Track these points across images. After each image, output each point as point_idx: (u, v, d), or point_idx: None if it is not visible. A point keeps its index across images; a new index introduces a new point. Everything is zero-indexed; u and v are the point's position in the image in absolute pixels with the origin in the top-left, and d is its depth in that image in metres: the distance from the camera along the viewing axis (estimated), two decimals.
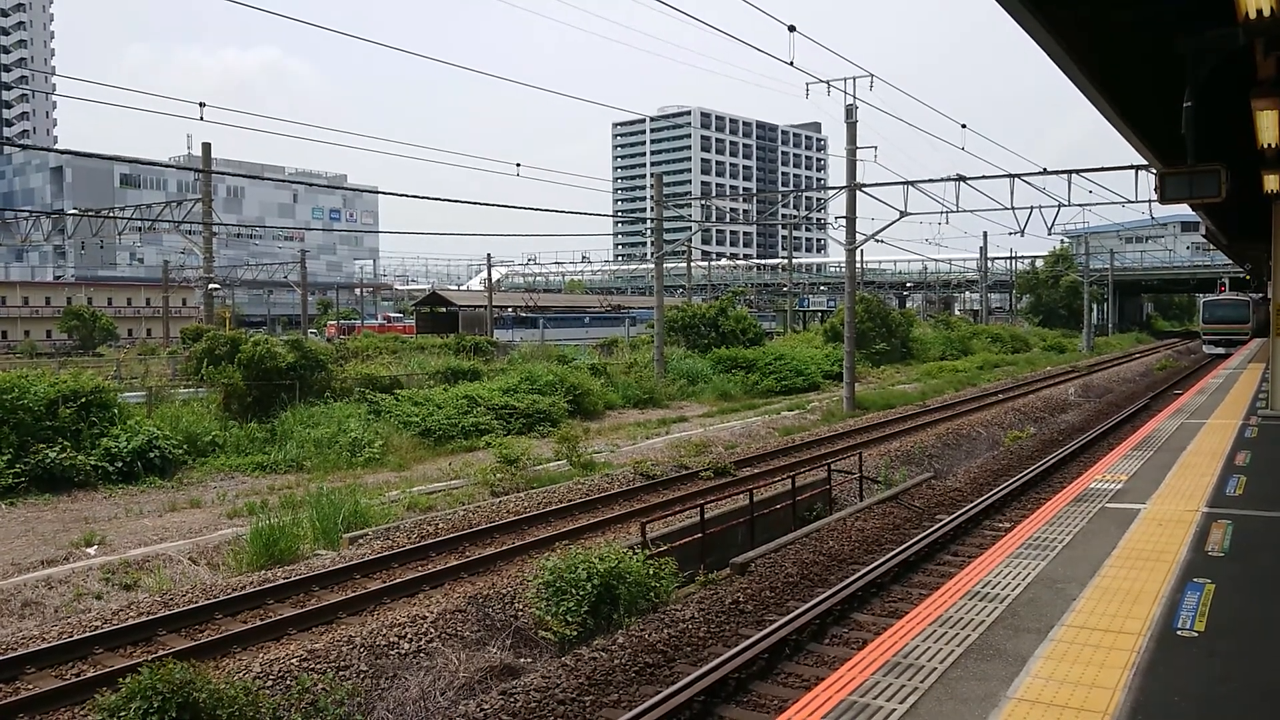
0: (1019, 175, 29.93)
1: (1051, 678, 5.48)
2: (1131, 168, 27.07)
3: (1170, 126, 9.48)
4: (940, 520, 15.20)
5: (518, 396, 26.75)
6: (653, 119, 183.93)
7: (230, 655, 9.95)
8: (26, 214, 51.37)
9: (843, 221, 32.29)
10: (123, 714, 7.74)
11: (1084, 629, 6.27)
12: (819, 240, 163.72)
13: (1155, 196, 10.88)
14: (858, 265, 44.08)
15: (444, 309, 72.49)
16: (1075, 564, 7.85)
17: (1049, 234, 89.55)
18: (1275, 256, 18.13)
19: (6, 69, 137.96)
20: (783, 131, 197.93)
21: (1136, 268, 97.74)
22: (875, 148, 31.52)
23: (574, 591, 10.65)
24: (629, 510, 16.11)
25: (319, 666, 9.62)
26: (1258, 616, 6.53)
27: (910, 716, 5.04)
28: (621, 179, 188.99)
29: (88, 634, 10.27)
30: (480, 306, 69.21)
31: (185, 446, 20.16)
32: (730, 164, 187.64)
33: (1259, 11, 6.75)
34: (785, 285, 78.69)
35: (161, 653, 9.47)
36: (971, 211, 37.07)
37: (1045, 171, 29.87)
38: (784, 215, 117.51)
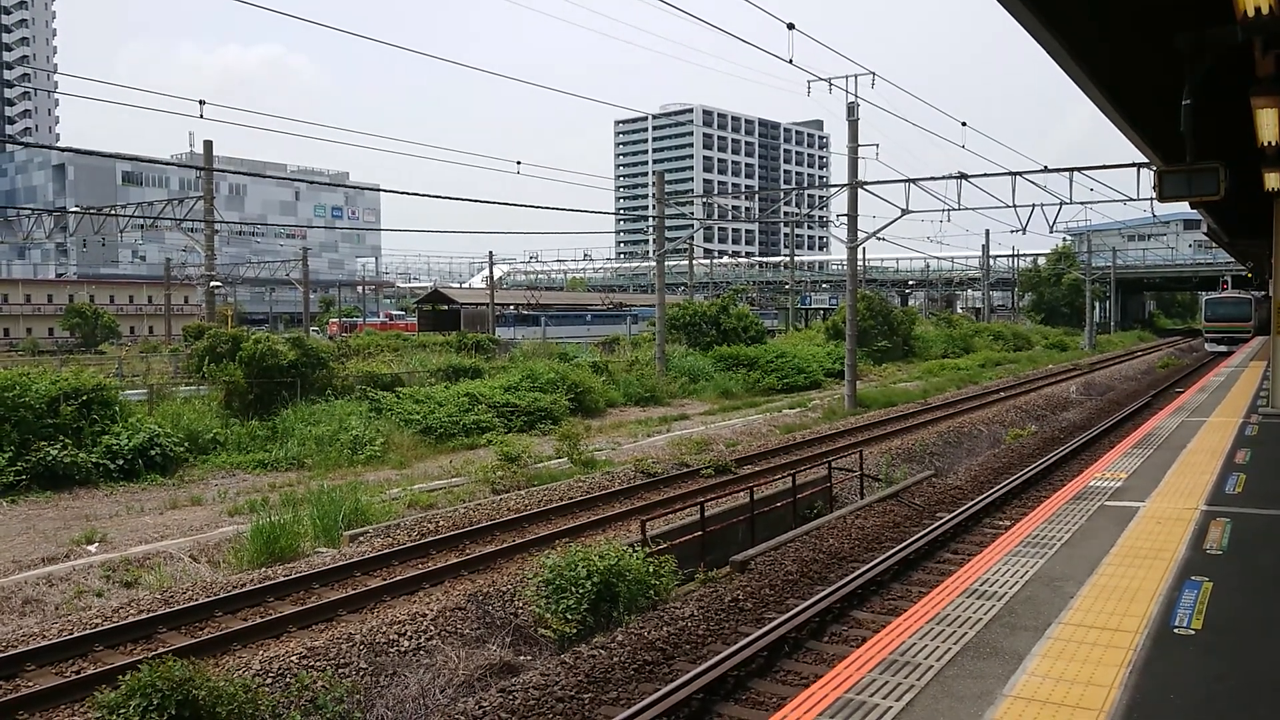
0: (1020, 173, 29.89)
1: (1048, 675, 5.48)
2: (1133, 166, 27.02)
3: (1171, 124, 9.47)
4: (941, 518, 15.21)
5: (519, 394, 26.77)
6: (655, 117, 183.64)
7: (230, 652, 9.97)
8: (29, 211, 51.41)
9: (844, 219, 32.29)
10: (122, 711, 7.76)
11: (1081, 627, 6.28)
12: (821, 238, 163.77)
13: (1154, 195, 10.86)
14: (860, 263, 44.12)
15: (446, 307, 72.50)
16: (1073, 562, 7.85)
17: (1051, 232, 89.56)
18: (1276, 254, 18.10)
19: (9, 66, 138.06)
20: (785, 129, 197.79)
21: (1139, 265, 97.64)
22: (877, 145, 31.57)
23: (574, 589, 10.66)
24: (629, 508, 16.12)
25: (319, 664, 9.64)
26: (1255, 615, 6.53)
27: (906, 714, 5.04)
28: (624, 177, 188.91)
29: (88, 631, 10.29)
30: (482, 304, 69.21)
31: (186, 444, 20.19)
32: (732, 162, 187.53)
33: (1257, 10, 6.74)
34: (787, 283, 78.68)
35: (161, 650, 9.49)
36: (973, 209, 36.93)
37: (1047, 169, 29.83)
38: (786, 213, 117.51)
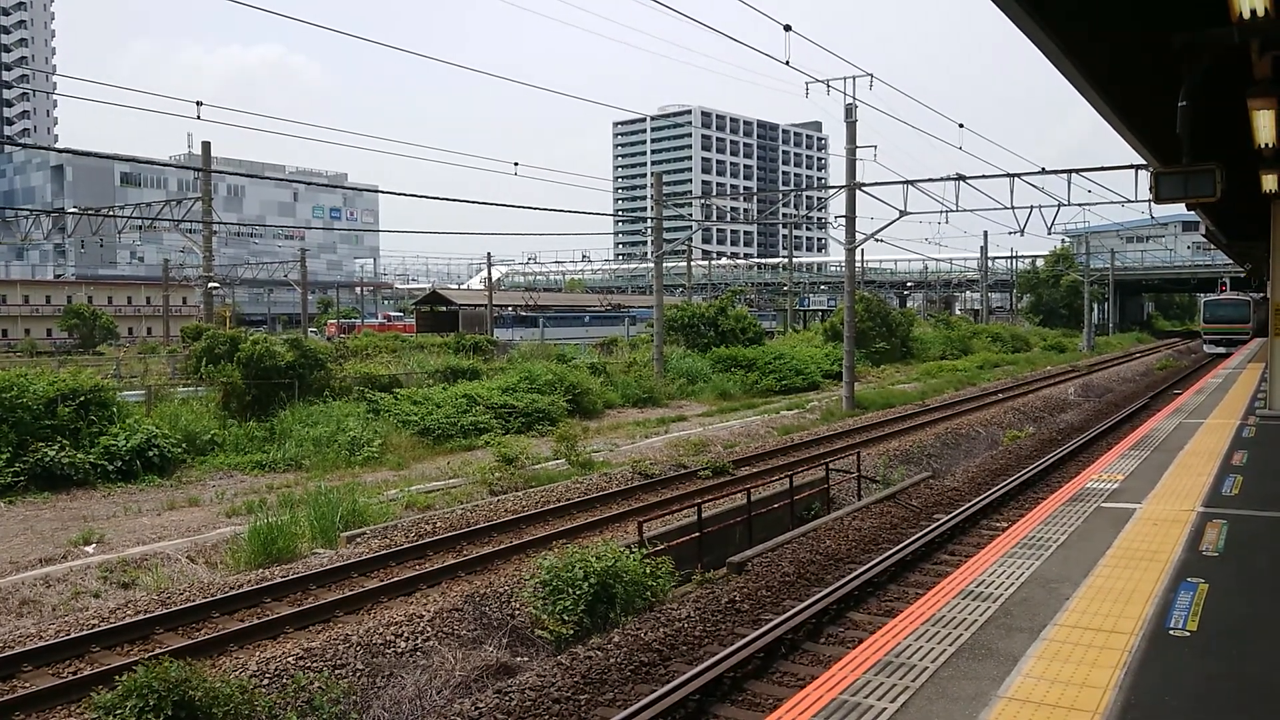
0: (1018, 175, 29.94)
1: (1043, 677, 5.49)
2: (1131, 167, 27.08)
3: (1168, 126, 9.47)
4: (938, 520, 15.21)
5: (517, 395, 26.77)
6: (653, 118, 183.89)
7: (227, 654, 9.97)
8: (27, 212, 51.38)
9: (843, 221, 32.30)
10: (119, 712, 7.76)
11: (1076, 628, 6.28)
12: (819, 239, 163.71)
13: (1151, 196, 10.88)
14: (858, 264, 44.12)
15: (444, 308, 72.54)
16: (1069, 563, 7.86)
17: (1049, 233, 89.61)
18: (1274, 256, 18.12)
19: (7, 68, 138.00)
20: (783, 131, 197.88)
21: (1137, 267, 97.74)
22: (875, 147, 31.59)
23: (571, 590, 10.66)
24: (627, 509, 16.12)
25: (315, 665, 9.64)
26: (1250, 616, 6.54)
27: (901, 715, 5.05)
28: (622, 178, 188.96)
29: (85, 632, 10.29)
30: (480, 305, 69.24)
31: (184, 445, 20.18)
32: (731, 163, 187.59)
33: (1253, 12, 6.76)
34: (785, 284, 78.69)
35: (158, 651, 9.48)
36: (971, 211, 37.10)
37: (1044, 171, 29.89)
38: (784, 214, 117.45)
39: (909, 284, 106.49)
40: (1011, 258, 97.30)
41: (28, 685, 9.21)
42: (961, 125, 31.18)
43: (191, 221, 36.39)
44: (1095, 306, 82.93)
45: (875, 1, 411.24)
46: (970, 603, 6.89)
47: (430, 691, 9.35)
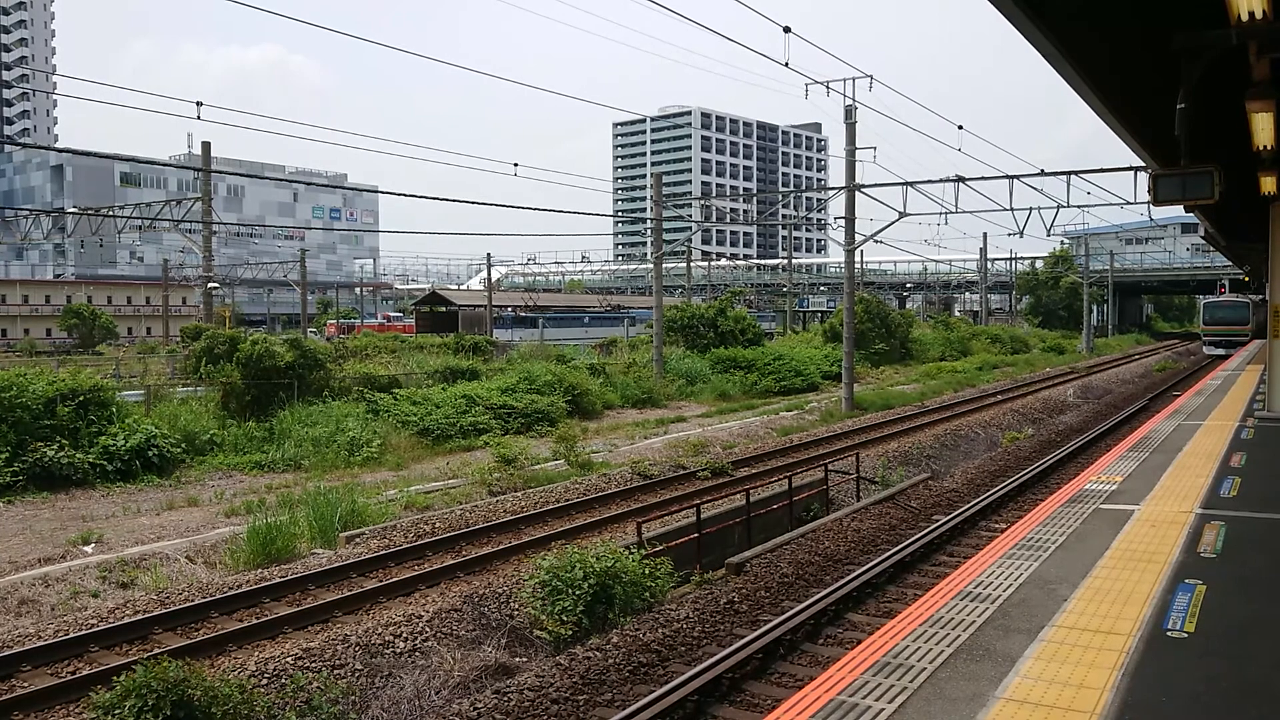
0: (1018, 176, 29.96)
1: (1040, 678, 5.50)
2: (1130, 169, 27.10)
3: (1166, 127, 9.49)
4: (937, 521, 15.22)
5: (516, 396, 26.78)
6: (653, 119, 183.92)
7: (226, 654, 9.97)
8: (27, 212, 51.37)
9: (842, 222, 32.32)
10: (117, 712, 7.76)
11: (1074, 629, 6.29)
12: (819, 240, 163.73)
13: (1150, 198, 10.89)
14: (857, 266, 44.14)
15: (443, 308, 72.55)
16: (1068, 565, 7.86)
17: (1048, 235, 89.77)
18: (1273, 258, 18.12)
19: (7, 67, 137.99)
20: (783, 132, 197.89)
21: (1136, 269, 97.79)
22: (874, 148, 31.58)
23: (570, 591, 10.67)
24: (626, 510, 16.13)
25: (314, 665, 9.65)
26: (1248, 618, 6.55)
27: (898, 716, 5.05)
28: (622, 179, 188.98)
29: (84, 632, 10.29)
30: (480, 306, 69.25)
31: (183, 445, 20.19)
32: (730, 164, 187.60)
33: (1250, 14, 6.77)
34: (785, 285, 78.71)
35: (157, 651, 9.48)
36: (970, 212, 37.17)
37: (1043, 173, 29.91)
38: (784, 215, 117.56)
39: (908, 285, 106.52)
40: (1011, 259, 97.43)
41: (26, 685, 9.21)
42: (961, 127, 31.22)
43: (191, 221, 36.40)
44: (1094, 308, 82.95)
45: (875, 3, 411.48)
46: (968, 604, 6.90)
47: (429, 692, 9.35)
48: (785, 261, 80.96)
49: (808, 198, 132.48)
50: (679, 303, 51.22)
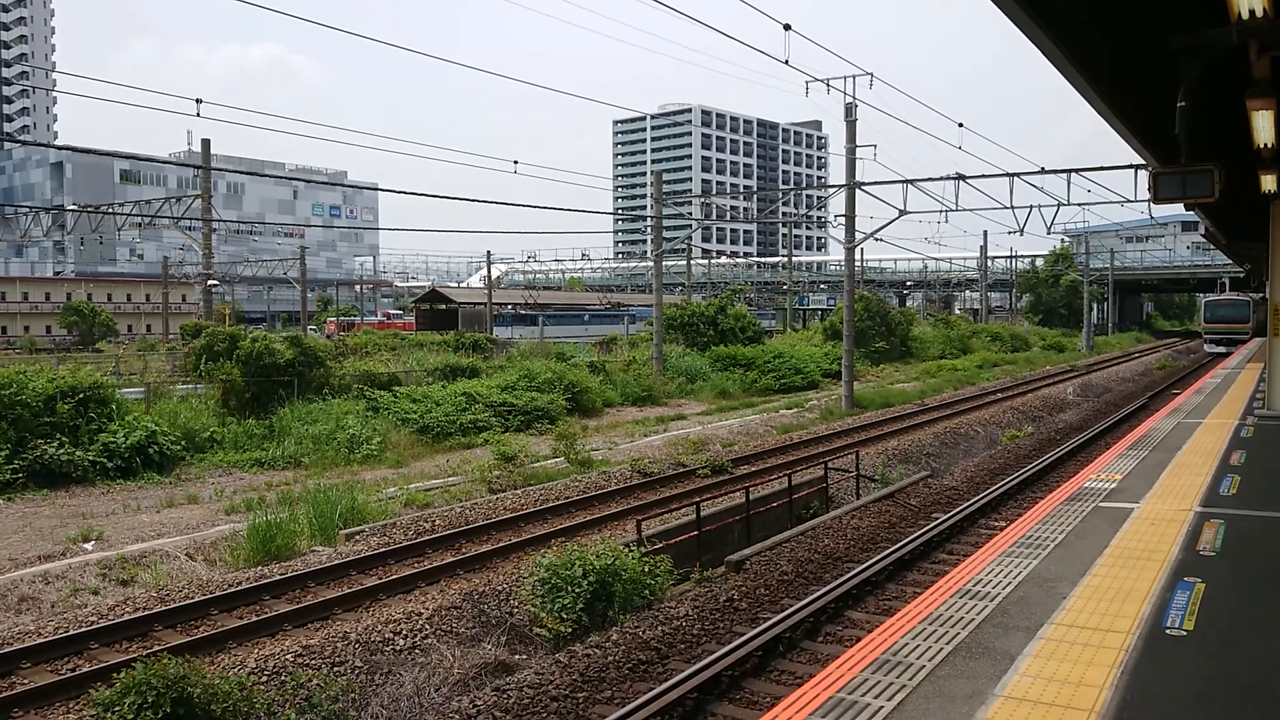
0: (1018, 174, 29.95)
1: (1039, 676, 5.50)
2: (1130, 167, 27.10)
3: (1167, 125, 9.49)
4: (936, 519, 15.22)
5: (516, 394, 26.78)
6: (653, 117, 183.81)
7: (226, 651, 9.98)
8: (26, 209, 51.37)
9: (842, 220, 32.31)
10: (118, 709, 7.77)
11: (1073, 627, 6.29)
12: (819, 238, 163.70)
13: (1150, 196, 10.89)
14: (857, 264, 44.14)
15: (443, 306, 72.51)
16: (1067, 562, 7.87)
17: (1048, 233, 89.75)
18: (1273, 256, 18.13)
19: (7, 64, 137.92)
20: (783, 130, 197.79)
21: (1136, 267, 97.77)
22: (875, 146, 31.63)
23: (569, 588, 10.68)
24: (625, 507, 16.14)
25: (314, 662, 9.65)
26: (1247, 616, 6.55)
27: (897, 713, 5.06)
28: (622, 177, 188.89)
29: (84, 629, 10.30)
30: (480, 304, 69.22)
31: (183, 442, 20.19)
32: (731, 162, 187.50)
33: (1251, 12, 6.77)
34: (785, 283, 78.71)
35: (157, 648, 9.49)
36: (971, 210, 37.16)
37: (1044, 171, 29.90)
38: (784, 213, 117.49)
39: (908, 283, 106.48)
40: (1011, 257, 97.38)
41: (27, 682, 9.22)
42: (961, 125, 31.22)
43: (191, 219, 36.41)
44: (1094, 306, 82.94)
45: (877, 2, 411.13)
46: (968, 601, 6.90)
47: (429, 689, 9.36)
48: (785, 259, 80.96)
49: (808, 195, 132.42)
50: (679, 301, 51.24)
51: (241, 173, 67.07)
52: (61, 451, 17.94)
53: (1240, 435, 15.34)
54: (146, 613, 10.81)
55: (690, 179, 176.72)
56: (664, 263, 38.58)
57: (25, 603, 11.55)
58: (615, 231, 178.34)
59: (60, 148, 61.80)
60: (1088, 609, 6.66)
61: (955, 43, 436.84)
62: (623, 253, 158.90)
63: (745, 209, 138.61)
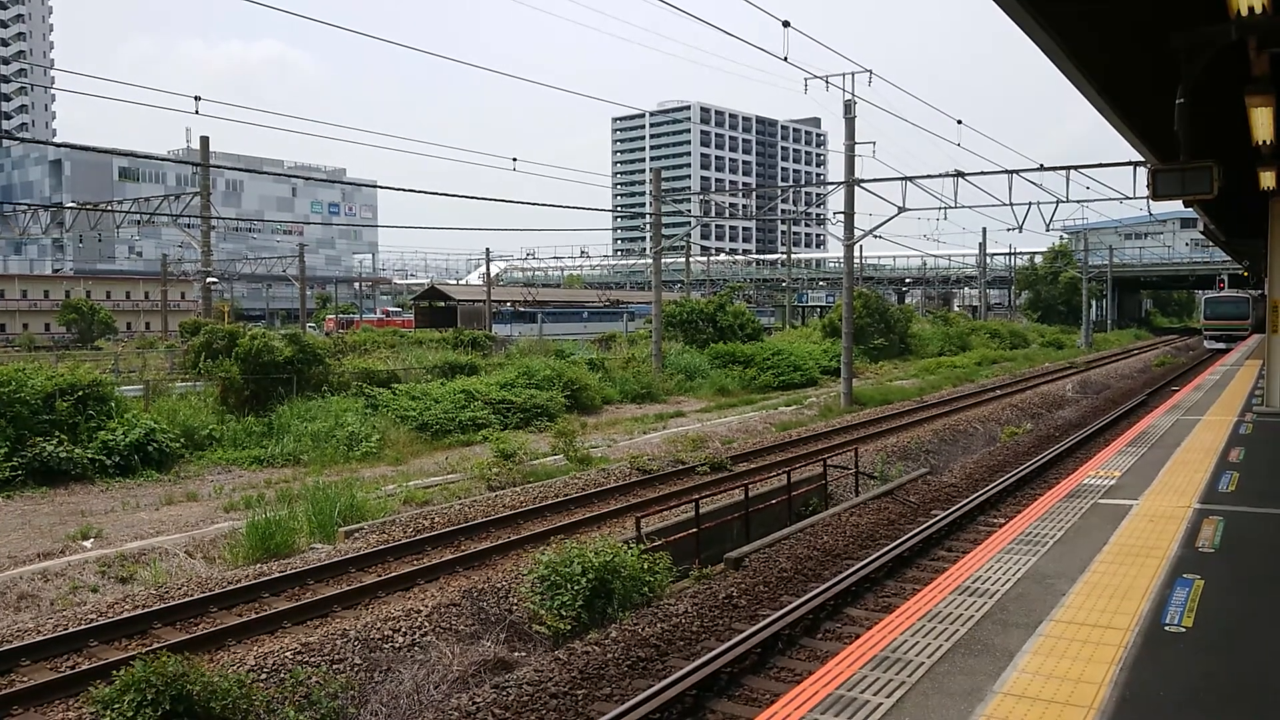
0: (1017, 171, 29.94)
1: (1038, 672, 5.51)
2: (1129, 164, 27.07)
3: (1166, 122, 9.48)
4: (935, 516, 15.23)
5: (515, 391, 26.77)
6: (652, 114, 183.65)
7: (225, 648, 9.98)
8: (25, 207, 51.32)
9: (842, 217, 32.30)
10: (117, 706, 7.77)
11: (1072, 624, 6.30)
12: (818, 235, 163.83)
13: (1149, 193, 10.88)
14: (856, 261, 44.12)
15: (442, 303, 72.53)
16: (1066, 559, 7.88)
17: (1047, 230, 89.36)
18: (1272, 253, 18.13)
19: (5, 62, 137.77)
20: (782, 127, 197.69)
21: (1135, 264, 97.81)
22: (874, 143, 31.70)
23: (568, 586, 10.68)
24: (625, 505, 16.14)
25: (313, 659, 9.65)
26: (1246, 612, 6.56)
27: (896, 710, 5.06)
28: (621, 174, 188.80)
29: (83, 627, 10.30)
30: (479, 301, 69.21)
31: (182, 440, 20.17)
32: (730, 159, 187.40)
33: (1250, 9, 6.76)
34: (784, 280, 78.70)
35: (156, 646, 9.49)
36: (970, 207, 37.16)
37: (1043, 168, 29.86)
38: (783, 210, 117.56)
39: (907, 280, 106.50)
40: (1010, 254, 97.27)
41: (26, 680, 9.22)
42: (960, 122, 31.19)
43: (190, 216, 36.38)
44: (1093, 303, 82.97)
45: (878, 1, 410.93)
46: (967, 598, 6.91)
47: (428, 686, 9.36)
48: (784, 256, 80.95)
49: (807, 193, 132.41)
50: (678, 298, 51.24)
51: (241, 170, 66.97)
52: (60, 449, 17.93)
53: (1239, 432, 15.35)
54: (145, 610, 10.80)
55: (689, 176, 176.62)
56: (663, 260, 38.57)
57: (24, 600, 11.54)
58: (614, 229, 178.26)
59: (59, 145, 61.78)
60: (1087, 606, 6.67)
61: (954, 37, 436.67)
62: (622, 250, 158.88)
63: (744, 206, 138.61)
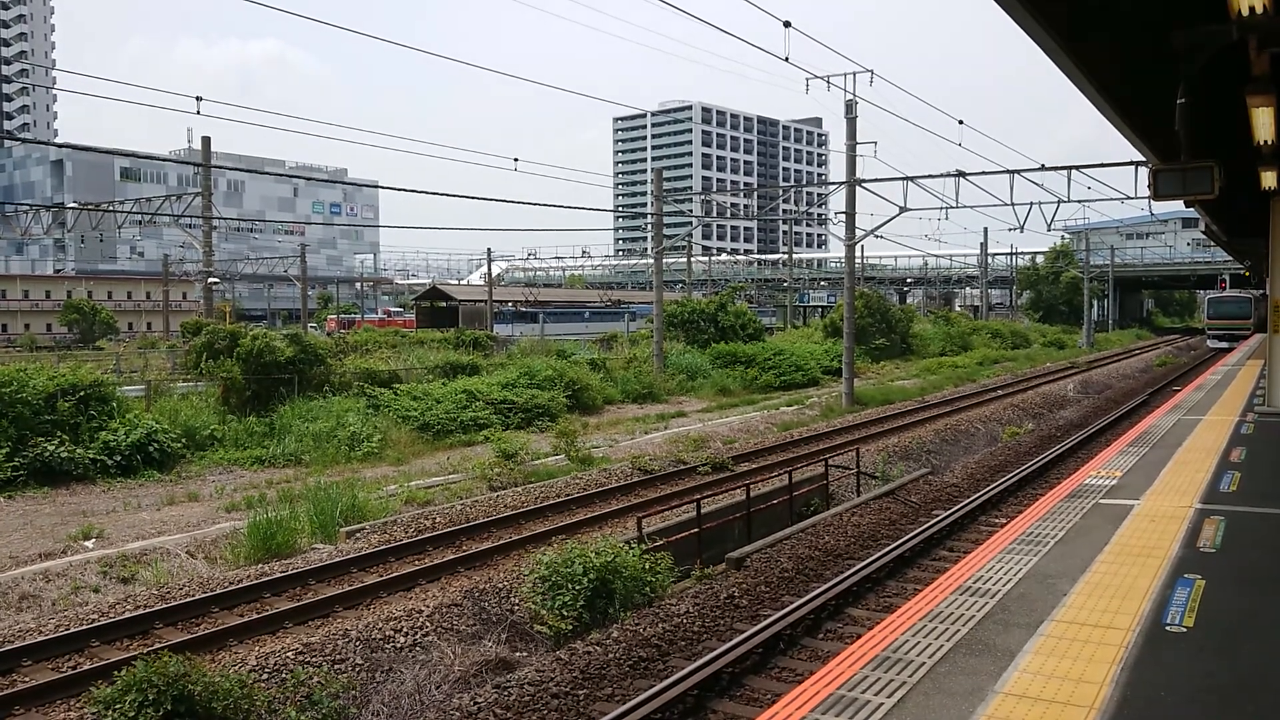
0: (1018, 171, 29.93)
1: (1040, 672, 5.51)
2: (1131, 164, 27.06)
3: (1167, 122, 9.48)
4: (936, 516, 15.23)
5: (517, 391, 26.77)
6: (654, 114, 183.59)
7: (226, 648, 9.99)
8: (27, 207, 51.37)
9: (843, 217, 32.29)
10: (118, 706, 7.78)
11: (1074, 624, 6.30)
12: (820, 235, 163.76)
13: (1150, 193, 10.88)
14: (858, 261, 44.10)
15: (444, 303, 72.49)
16: (1067, 559, 7.88)
17: (1049, 230, 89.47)
18: (1273, 253, 18.12)
19: (7, 62, 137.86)
20: (784, 127, 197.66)
21: (1137, 264, 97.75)
22: (875, 143, 31.69)
23: (570, 586, 10.68)
24: (626, 505, 16.14)
25: (315, 660, 9.66)
26: (1247, 613, 6.56)
27: (898, 710, 5.06)
28: (622, 174, 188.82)
29: (84, 627, 10.30)
30: (480, 301, 69.20)
31: (184, 440, 20.18)
32: (731, 159, 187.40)
33: (1250, 9, 6.76)
34: (785, 280, 78.69)
35: (158, 646, 9.50)
36: (971, 207, 37.18)
37: (1044, 168, 29.85)
38: (784, 210, 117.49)
39: (909, 280, 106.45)
40: (1011, 254, 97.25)
41: (27, 680, 9.23)
42: (961, 122, 31.16)
43: (191, 216, 36.40)
44: (1095, 303, 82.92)
45: (877, 2, 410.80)
46: (968, 598, 6.91)
47: (429, 686, 9.37)
48: (786, 256, 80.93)
49: (808, 193, 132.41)
50: (679, 298, 51.22)
51: (242, 170, 66.90)
52: (62, 449, 17.94)
53: (1241, 432, 15.35)
54: (147, 610, 10.81)
55: (691, 176, 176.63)
56: (664, 260, 38.57)
57: (26, 600, 11.55)
58: (616, 229, 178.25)
59: (60, 145, 61.87)
60: (1088, 606, 6.67)
61: (955, 35, 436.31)
62: (623, 250, 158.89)
63: (746, 206, 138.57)
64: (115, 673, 8.26)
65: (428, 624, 10.74)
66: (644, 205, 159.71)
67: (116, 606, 11.06)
